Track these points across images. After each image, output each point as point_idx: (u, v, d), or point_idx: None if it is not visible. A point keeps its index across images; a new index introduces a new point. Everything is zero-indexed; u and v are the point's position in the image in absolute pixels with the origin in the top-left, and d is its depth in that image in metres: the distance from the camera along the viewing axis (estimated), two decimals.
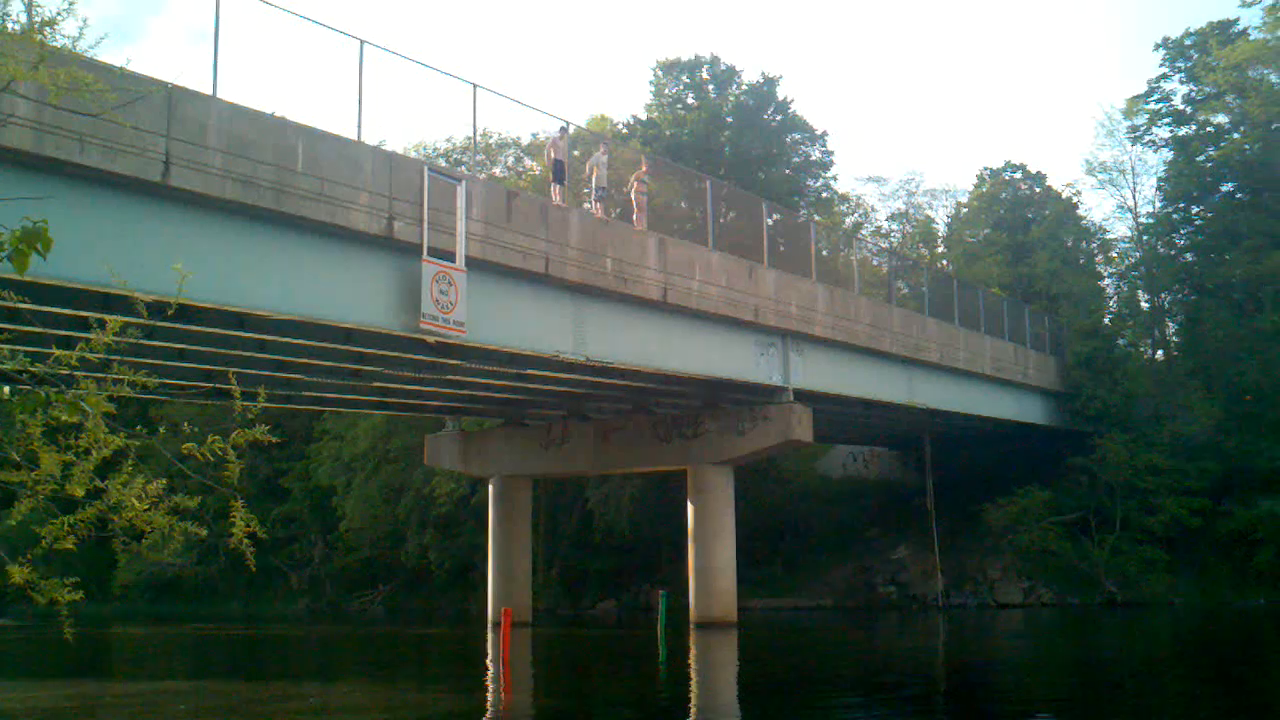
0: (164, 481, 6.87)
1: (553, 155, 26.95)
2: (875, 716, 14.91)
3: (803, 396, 31.80)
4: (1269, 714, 15.59)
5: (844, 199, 65.61)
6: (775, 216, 37.09)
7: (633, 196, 27.99)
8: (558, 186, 26.27)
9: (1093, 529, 43.42)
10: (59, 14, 7.82)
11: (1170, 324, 57.69)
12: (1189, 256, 54.74)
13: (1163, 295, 56.75)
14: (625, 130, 54.27)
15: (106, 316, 7.06)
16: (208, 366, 24.06)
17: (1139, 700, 17.72)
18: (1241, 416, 45.43)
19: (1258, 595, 41.30)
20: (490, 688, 19.00)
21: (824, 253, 40.47)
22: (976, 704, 17.16)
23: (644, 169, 29.02)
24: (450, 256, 21.15)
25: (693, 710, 16.02)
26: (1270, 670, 22.49)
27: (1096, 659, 25.60)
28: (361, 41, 20.25)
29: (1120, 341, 51.44)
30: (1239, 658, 25.29)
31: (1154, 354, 57.25)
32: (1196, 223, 54.66)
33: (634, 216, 27.57)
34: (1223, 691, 18.37)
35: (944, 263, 60.43)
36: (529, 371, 26.92)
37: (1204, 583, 42.89)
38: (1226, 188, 53.38)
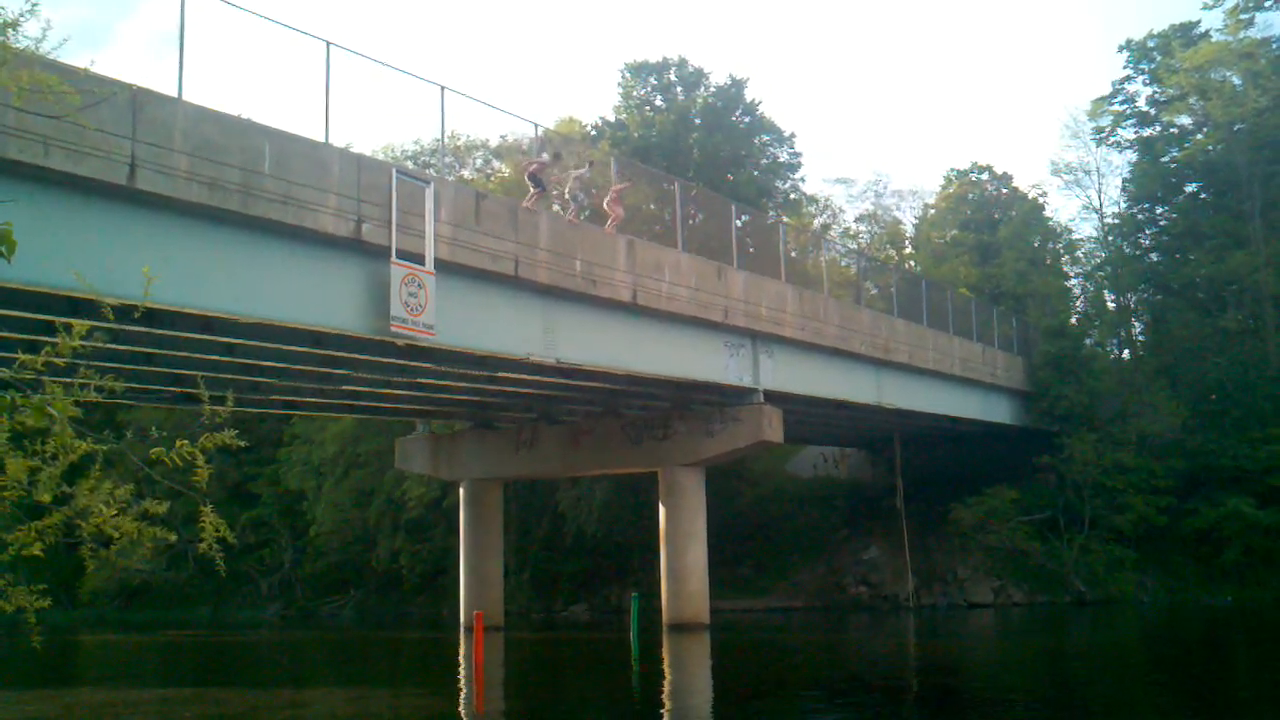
0: (132, 487, 6.82)
1: (533, 169, 26.15)
2: (847, 718, 14.97)
3: (773, 397, 31.87)
4: (1233, 709, 15.74)
5: (812, 200, 65.85)
6: (744, 218, 37.18)
7: (607, 206, 27.66)
8: (537, 192, 25.89)
9: (1061, 528, 43.73)
10: (21, 15, 7.75)
11: (1136, 323, 58.27)
12: (1154, 256, 55.31)
13: (1128, 295, 57.28)
14: (594, 132, 54.25)
15: (73, 320, 7.01)
16: (175, 370, 23.86)
17: (1109, 698, 17.85)
18: (1207, 415, 45.89)
19: (1225, 593, 41.70)
20: (463, 691, 18.95)
21: (793, 254, 40.60)
22: (948, 703, 17.25)
23: (624, 185, 28.66)
24: (419, 259, 21.07)
25: (666, 713, 16.03)
26: (1236, 667, 22.70)
27: (1066, 657, 25.78)
28: (328, 43, 20.14)
29: (1087, 341, 51.91)
30: (1206, 655, 25.52)
31: (1120, 353, 57.77)
32: (1161, 223, 55.28)
33: (608, 223, 27.40)
34: (1189, 688, 18.53)
35: (912, 263, 60.73)
36: (499, 374, 26.85)
37: (1171, 581, 43.30)
38: (1190, 188, 54.00)
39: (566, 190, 27.02)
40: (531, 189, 25.60)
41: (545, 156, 26.68)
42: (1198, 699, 17.05)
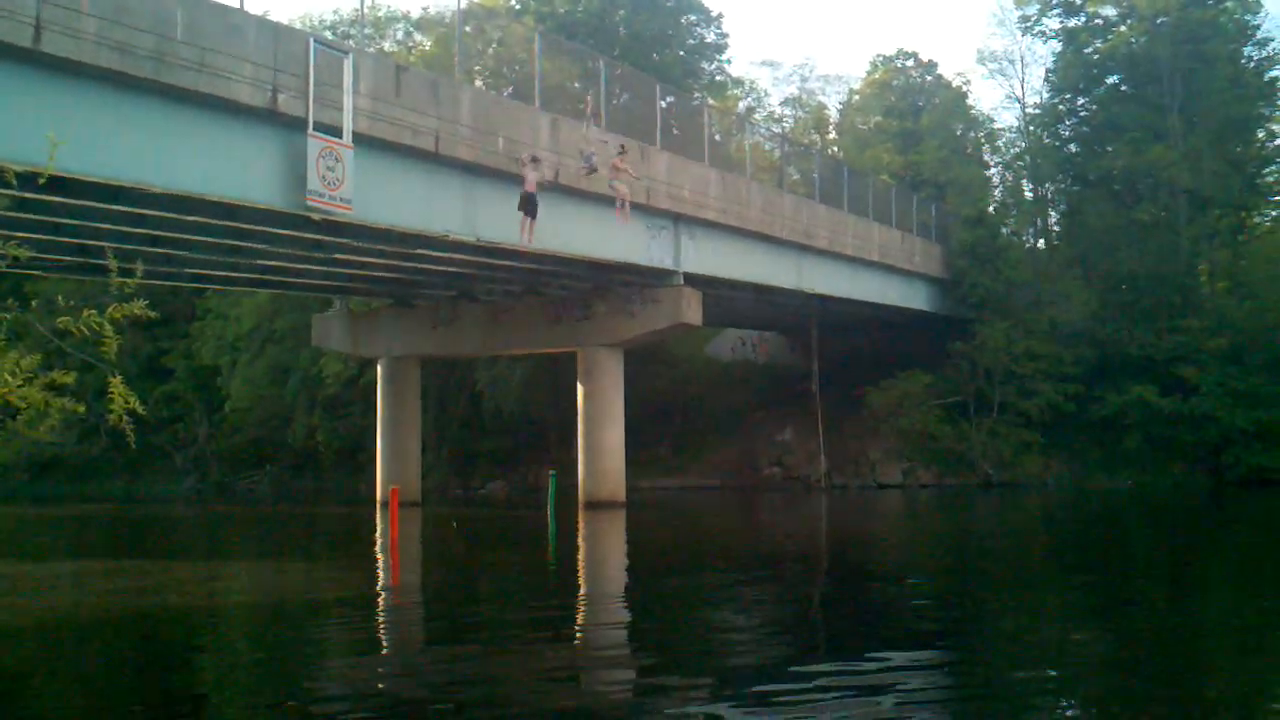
0: (39, 357, 6.73)
1: (525, 189, 24.29)
2: (758, 590, 15.34)
3: (693, 280, 31.96)
4: (1125, 580, 16.42)
5: (738, 83, 65.35)
6: (669, 99, 36.75)
7: (611, 186, 26.24)
8: (529, 221, 24.37)
9: (971, 413, 44.78)
10: None
11: (1052, 213, 59.00)
12: (1072, 148, 55.79)
13: (1046, 185, 57.91)
14: (517, 5, 53.09)
15: None
16: (83, 241, 23.33)
17: (1008, 570, 18.49)
18: (1117, 305, 46.95)
19: (1126, 477, 43.17)
20: (380, 564, 19.11)
21: (717, 137, 40.34)
22: (856, 575, 17.74)
23: (625, 153, 26.52)
24: (337, 132, 20.67)
25: (582, 584, 16.32)
26: (1130, 544, 23.58)
27: (970, 535, 26.58)
28: None
29: (1004, 230, 52.55)
30: (1102, 533, 26.46)
31: (1036, 243, 58.53)
32: (1081, 114, 55.67)
33: (617, 205, 26.46)
34: (1084, 562, 19.24)
35: (835, 149, 60.70)
36: (418, 251, 26.59)
37: (1075, 465, 44.70)
38: (1111, 80, 54.25)
39: (582, 157, 25.80)
40: (525, 218, 24.31)
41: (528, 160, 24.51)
42: (1091, 572, 17.74)
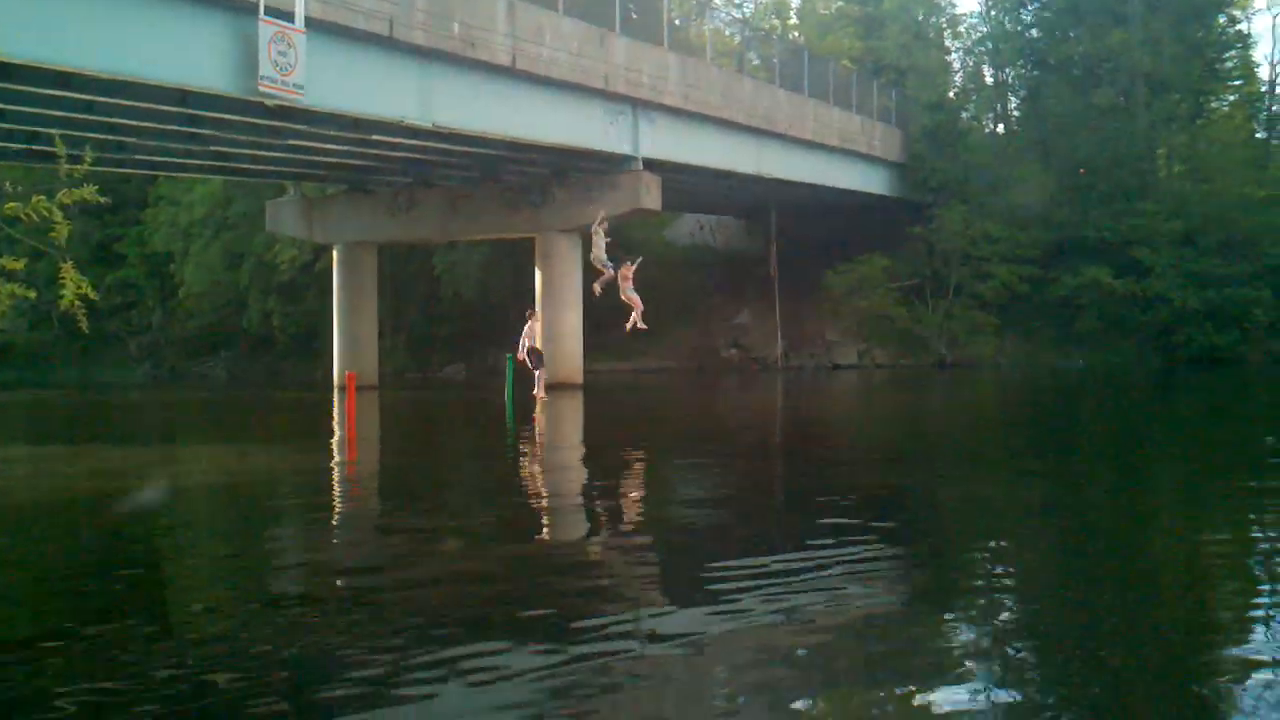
0: None
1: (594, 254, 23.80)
2: (713, 466, 15.60)
3: (652, 165, 31.85)
4: (1073, 454, 16.87)
5: None
6: None
7: (630, 296, 25.14)
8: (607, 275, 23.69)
9: (927, 295, 45.26)
10: None
11: (1012, 99, 58.88)
12: (1034, 32, 55.49)
13: (1006, 70, 57.74)
14: None
15: None
16: (32, 128, 22.96)
17: (960, 444, 18.91)
18: (1074, 189, 47.32)
19: (1078, 358, 43.93)
20: (336, 447, 19.23)
21: (676, 21, 39.80)
22: (810, 452, 18.06)
23: (635, 263, 25.73)
24: (289, 16, 20.30)
25: (538, 463, 16.52)
26: (1079, 420, 24.12)
27: (923, 412, 27.07)
28: None
29: (964, 115, 52.52)
30: (1052, 410, 27.04)
31: (995, 128, 58.55)
32: None
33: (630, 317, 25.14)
34: (1033, 438, 19.71)
35: (796, 34, 60.04)
36: (373, 137, 26.33)
37: (1029, 346, 45.45)
38: None
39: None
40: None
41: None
42: (1040, 445, 18.20)
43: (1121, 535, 10.14)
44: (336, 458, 17.58)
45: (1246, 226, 44.49)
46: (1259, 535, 9.95)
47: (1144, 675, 6.07)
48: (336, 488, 14.14)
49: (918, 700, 5.45)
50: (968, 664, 6.01)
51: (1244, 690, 5.57)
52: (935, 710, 5.29)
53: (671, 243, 55.31)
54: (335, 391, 35.01)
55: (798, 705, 5.43)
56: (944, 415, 26.66)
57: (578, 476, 15.15)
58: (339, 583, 8.59)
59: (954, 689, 5.54)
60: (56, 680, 5.92)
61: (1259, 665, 5.91)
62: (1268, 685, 5.59)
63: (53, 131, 11.18)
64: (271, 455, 18.73)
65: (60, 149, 7.67)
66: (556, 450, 18.65)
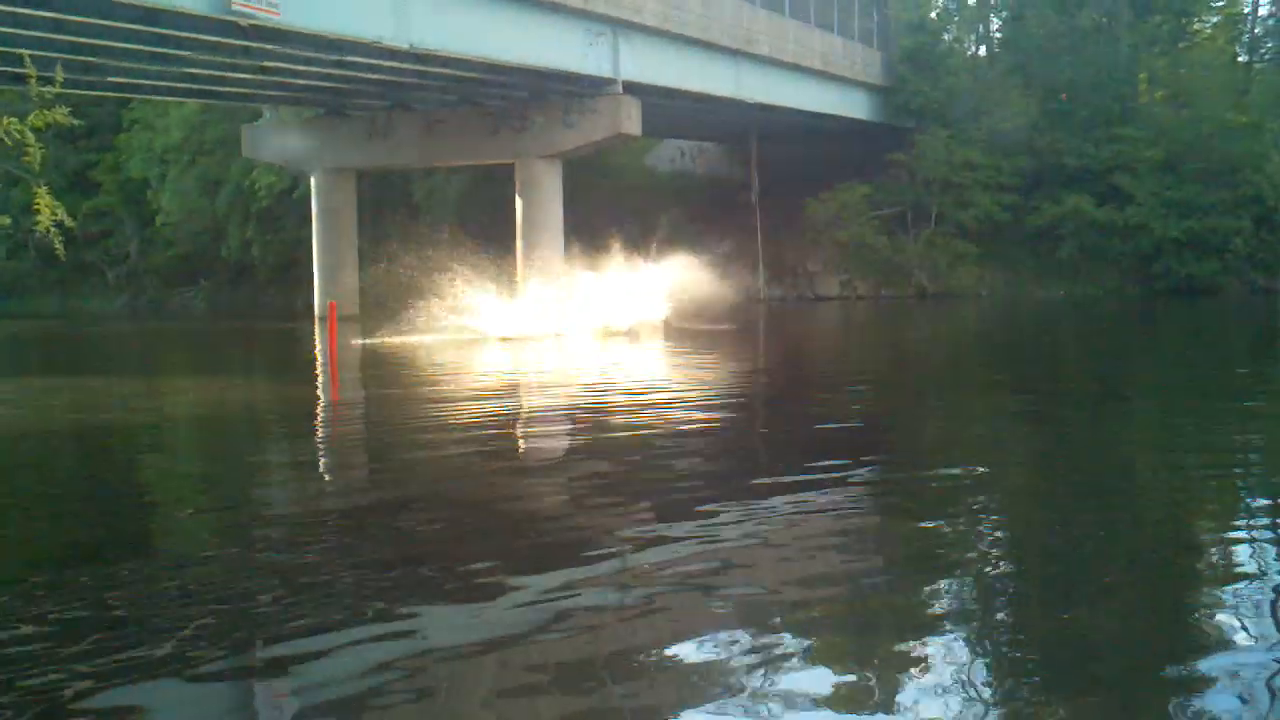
0: None
1: None
2: (692, 406, 15.59)
3: (632, 89, 31.47)
4: (1052, 381, 16.94)
5: None
6: None
7: None
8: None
9: (909, 224, 45.05)
10: None
11: (995, 20, 58.23)
12: None
13: None
14: None
15: None
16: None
17: (941, 373, 18.96)
18: (1055, 115, 46.89)
19: (1058, 288, 43.90)
20: (319, 379, 19.14)
21: None
22: (797, 379, 18.07)
23: None
24: None
25: (524, 392, 16.47)
26: (1059, 349, 24.22)
27: (904, 342, 27.11)
28: None
29: (946, 36, 51.97)
30: (1033, 340, 27.11)
31: (977, 50, 57.95)
32: None
33: None
34: (1015, 368, 19.76)
35: None
36: (349, 59, 25.89)
37: (1010, 275, 45.35)
38: None
39: None
40: None
41: None
42: (1020, 373, 18.27)
43: (1105, 477, 10.09)
44: (320, 392, 17.46)
45: (1227, 153, 44.19)
46: (1239, 457, 10.00)
47: (1129, 588, 6.10)
48: (320, 424, 14.02)
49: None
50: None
51: (1232, 595, 5.63)
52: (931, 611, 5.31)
53: (652, 169, 54.86)
54: (316, 321, 34.78)
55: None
56: (925, 345, 26.66)
57: (557, 410, 15.10)
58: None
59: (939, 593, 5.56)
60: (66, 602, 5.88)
61: (1242, 578, 5.96)
62: (1246, 594, 5.64)
63: (22, 51, 10.92)
64: (253, 389, 18.61)
65: (30, 70, 7.46)
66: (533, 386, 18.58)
